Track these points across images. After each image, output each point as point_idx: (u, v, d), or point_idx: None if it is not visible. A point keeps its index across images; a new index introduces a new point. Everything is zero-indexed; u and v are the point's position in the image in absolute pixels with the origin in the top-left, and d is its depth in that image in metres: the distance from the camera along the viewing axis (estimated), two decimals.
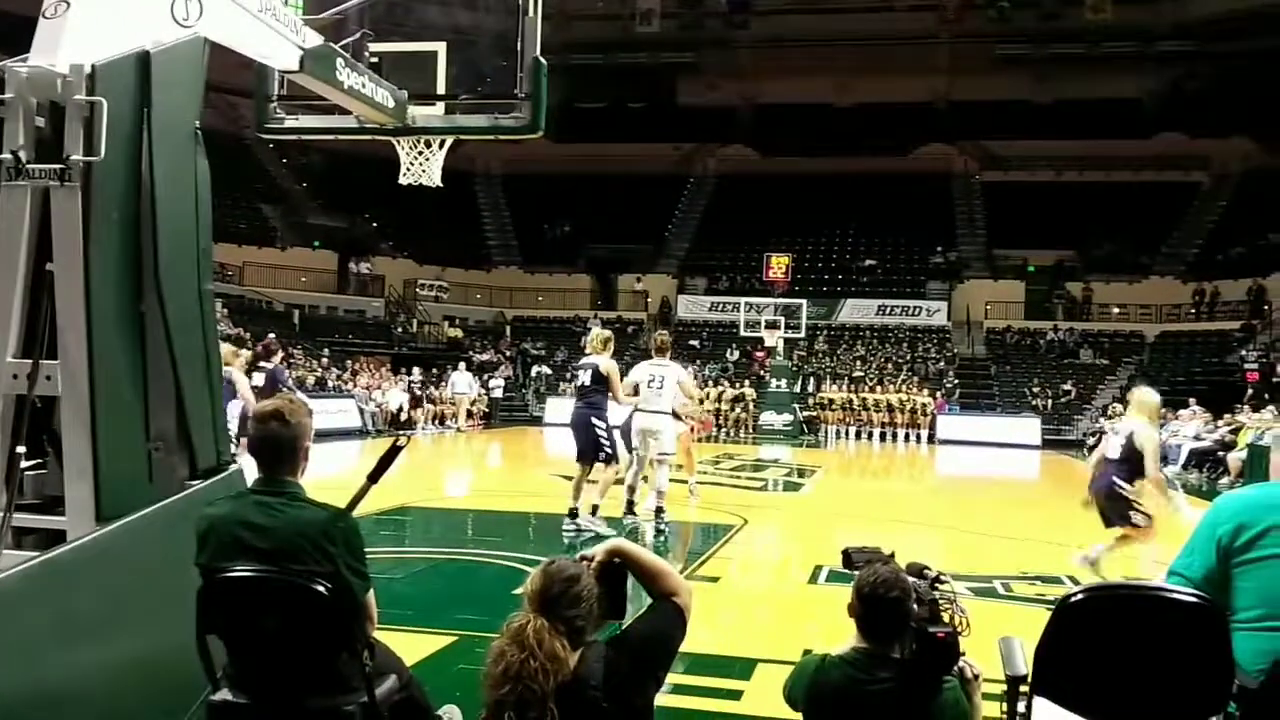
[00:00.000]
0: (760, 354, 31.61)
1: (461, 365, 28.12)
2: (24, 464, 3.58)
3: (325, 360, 26.69)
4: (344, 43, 5.78)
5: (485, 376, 30.94)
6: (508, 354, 34.36)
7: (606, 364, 9.63)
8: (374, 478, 3.77)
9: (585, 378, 9.78)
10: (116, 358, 3.65)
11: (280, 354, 11.52)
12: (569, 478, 13.06)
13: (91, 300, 3.53)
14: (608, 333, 10.30)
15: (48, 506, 3.68)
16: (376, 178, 19.51)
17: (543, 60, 6.20)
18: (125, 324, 3.71)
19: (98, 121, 3.53)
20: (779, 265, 33.62)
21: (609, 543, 2.91)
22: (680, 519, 11.39)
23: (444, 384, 27.52)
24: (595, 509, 9.71)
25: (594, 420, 9.63)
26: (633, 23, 37.53)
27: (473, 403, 27.71)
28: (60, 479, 3.61)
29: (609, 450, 9.69)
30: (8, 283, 3.60)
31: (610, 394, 9.64)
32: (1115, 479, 7.48)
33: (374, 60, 6.09)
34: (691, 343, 34.62)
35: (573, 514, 9.73)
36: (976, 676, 3.08)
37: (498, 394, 30.26)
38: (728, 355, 33.18)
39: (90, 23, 3.67)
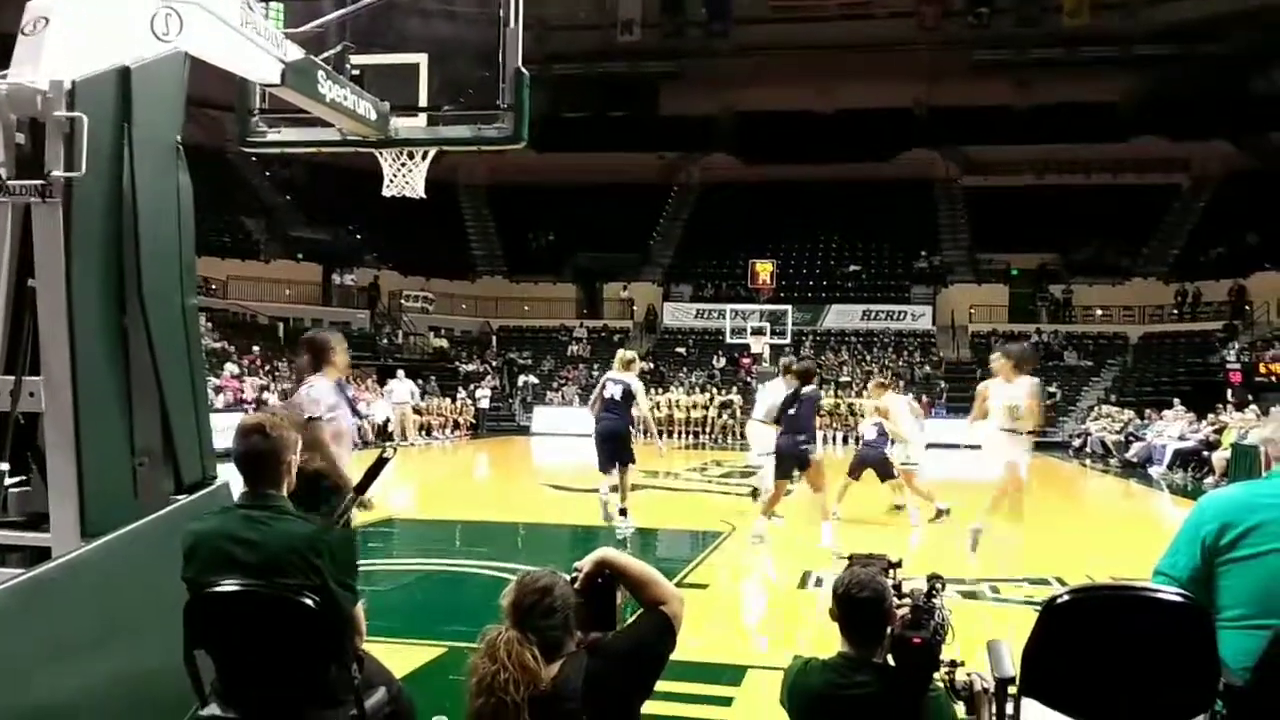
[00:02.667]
0: (746, 361, 31.66)
1: (400, 373, 26.67)
2: (7, 481, 3.56)
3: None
4: (325, 55, 5.79)
5: (472, 386, 30.86)
6: (494, 364, 34.31)
7: (636, 383, 10.90)
8: (360, 489, 3.76)
9: (617, 392, 10.69)
10: (100, 373, 3.64)
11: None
12: (559, 488, 13.18)
13: (74, 316, 3.52)
14: (632, 353, 11.60)
15: (32, 523, 3.66)
16: (360, 190, 19.48)
17: (524, 71, 6.22)
18: (108, 339, 3.70)
19: (78, 137, 3.52)
20: (763, 272, 33.72)
21: (597, 553, 2.90)
22: (672, 525, 11.42)
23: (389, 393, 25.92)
24: (624, 512, 10.61)
25: (629, 430, 10.96)
26: (614, 32, 37.59)
27: (450, 410, 27.52)
28: (45, 496, 3.59)
29: (633, 457, 10.86)
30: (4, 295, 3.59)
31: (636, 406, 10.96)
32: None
33: (355, 73, 6.10)
34: (678, 350, 34.66)
35: (623, 512, 10.59)
36: (986, 690, 3.06)
37: (484, 404, 30.17)
38: (714, 362, 33.21)
39: (70, 39, 3.67)
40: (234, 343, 26.36)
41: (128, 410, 3.75)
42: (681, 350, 34.64)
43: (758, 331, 30.75)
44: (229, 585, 2.95)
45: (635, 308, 37.14)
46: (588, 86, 37.92)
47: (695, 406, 28.80)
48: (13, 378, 3.54)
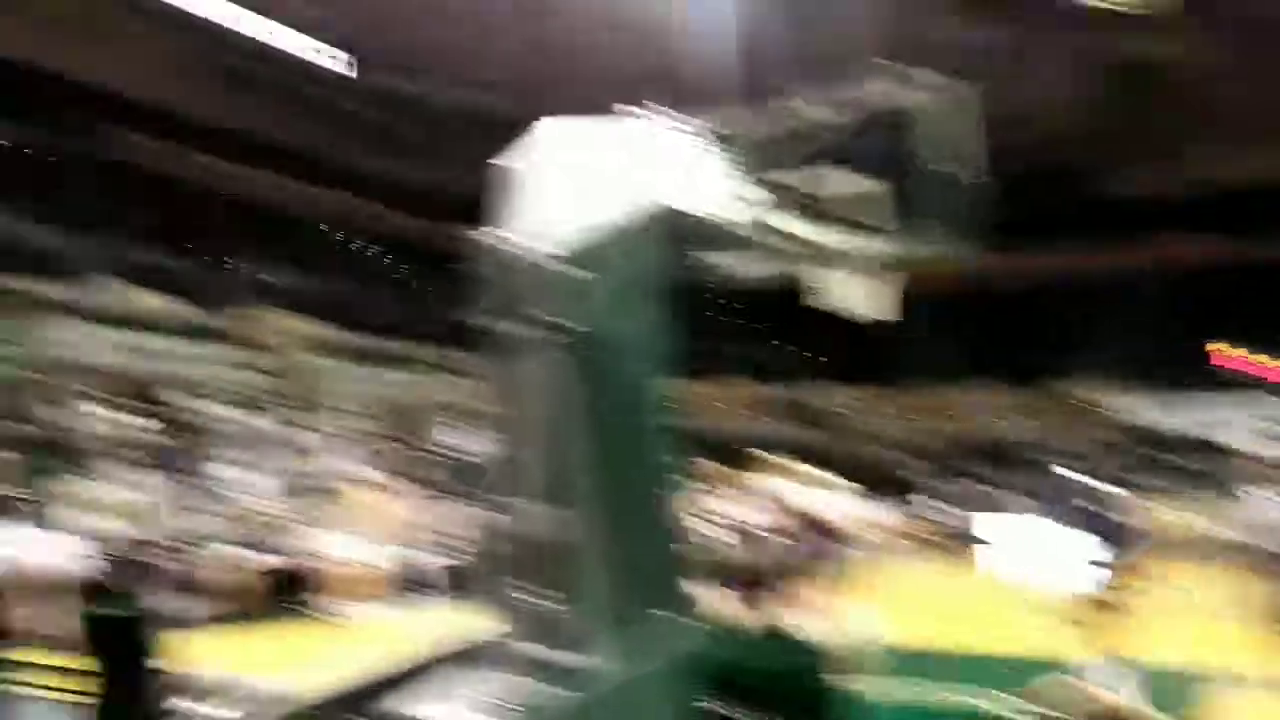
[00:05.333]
0: None
1: None
2: (553, 605, 3.90)
3: None
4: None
5: None
6: None
7: None
8: None
9: None
10: (626, 507, 3.97)
11: None
12: None
13: (602, 453, 3.88)
14: None
15: (572, 646, 3.96)
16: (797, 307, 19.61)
17: (976, 177, 5.99)
18: (626, 475, 4.03)
19: (585, 292, 3.93)
20: None
21: None
22: None
23: None
24: None
25: None
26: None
27: None
28: (583, 621, 3.90)
29: None
30: (535, 435, 4.00)
31: None
32: None
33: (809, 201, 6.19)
34: None
35: None
36: None
37: None
38: None
39: (565, 199, 4.15)
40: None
41: (653, 544, 4.04)
42: None
43: None
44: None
45: None
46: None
47: None
48: (550, 508, 3.92)
